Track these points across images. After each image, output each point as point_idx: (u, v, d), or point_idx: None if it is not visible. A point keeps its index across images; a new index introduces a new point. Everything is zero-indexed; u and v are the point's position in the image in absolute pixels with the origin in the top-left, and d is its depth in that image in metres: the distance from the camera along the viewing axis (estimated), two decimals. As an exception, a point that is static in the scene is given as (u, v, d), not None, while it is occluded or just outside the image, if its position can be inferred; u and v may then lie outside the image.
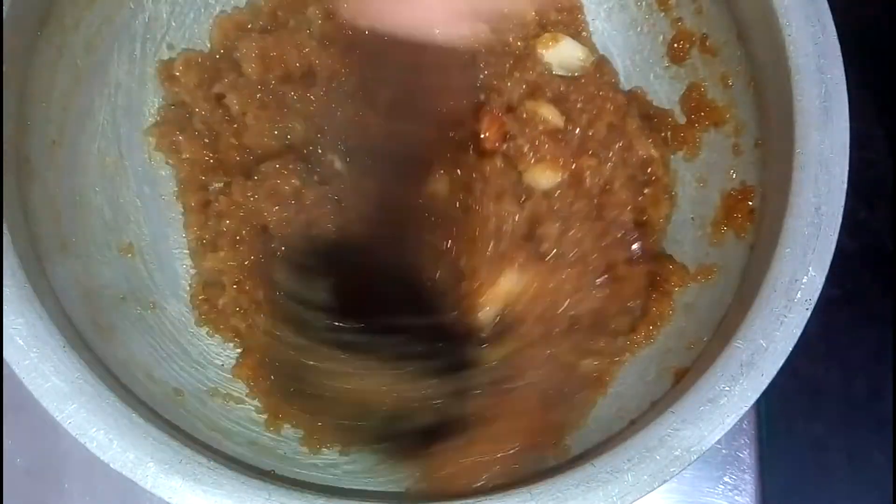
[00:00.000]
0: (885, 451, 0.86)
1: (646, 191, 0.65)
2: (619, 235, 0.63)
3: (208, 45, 0.70)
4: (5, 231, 0.52)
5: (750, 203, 0.61)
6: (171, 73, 0.68)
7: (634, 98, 0.69)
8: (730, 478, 0.70)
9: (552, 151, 0.63)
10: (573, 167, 0.63)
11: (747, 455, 0.70)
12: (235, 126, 0.66)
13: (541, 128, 0.63)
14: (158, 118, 0.68)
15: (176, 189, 0.68)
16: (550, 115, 0.64)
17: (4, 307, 0.51)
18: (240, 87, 0.65)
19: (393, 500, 0.54)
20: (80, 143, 0.63)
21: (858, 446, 0.88)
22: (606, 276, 0.62)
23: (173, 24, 0.67)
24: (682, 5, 0.67)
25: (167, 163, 0.68)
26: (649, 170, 0.66)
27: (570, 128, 0.64)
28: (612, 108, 0.65)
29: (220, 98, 0.66)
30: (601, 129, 0.64)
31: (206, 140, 0.67)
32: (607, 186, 0.64)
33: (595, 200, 0.63)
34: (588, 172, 0.63)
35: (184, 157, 0.67)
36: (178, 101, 0.68)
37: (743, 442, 0.70)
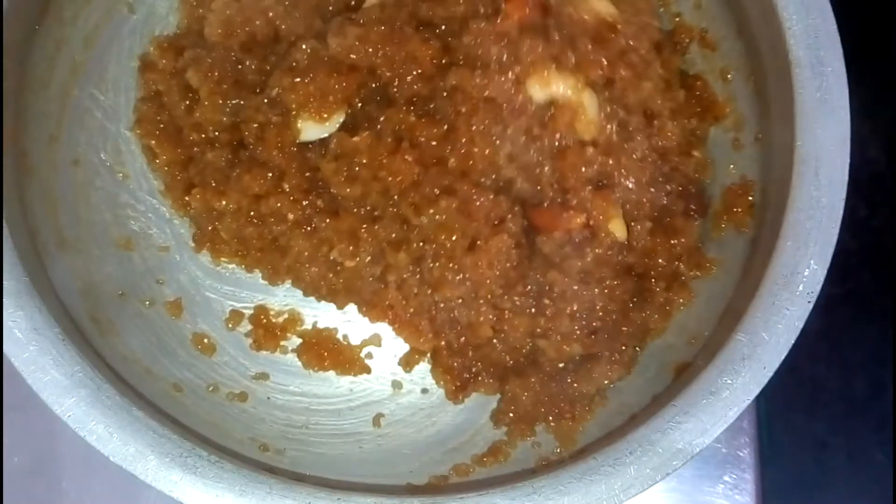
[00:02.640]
0: (885, 449, 0.86)
1: (695, 153, 0.63)
2: (680, 185, 0.62)
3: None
4: (4, 225, 0.52)
5: (750, 198, 0.61)
6: (151, 63, 0.65)
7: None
8: (730, 477, 0.70)
9: (586, 51, 0.59)
10: (607, 68, 0.60)
11: (747, 454, 0.70)
12: (196, 106, 0.63)
13: (586, 17, 0.60)
14: (139, 115, 0.65)
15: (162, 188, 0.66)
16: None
17: (4, 300, 0.50)
18: (200, 59, 0.62)
19: (393, 493, 0.54)
20: (79, 139, 0.63)
21: (859, 445, 0.88)
22: (663, 222, 0.61)
23: (171, 19, 0.67)
24: (681, 0, 0.66)
25: (155, 161, 0.65)
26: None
27: (612, 35, 0.61)
28: (657, 27, 0.63)
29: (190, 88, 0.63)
30: (644, 44, 0.61)
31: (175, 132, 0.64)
32: (648, 111, 0.61)
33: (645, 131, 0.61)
34: (623, 85, 0.60)
35: (159, 160, 0.65)
36: (154, 94, 0.65)
37: (743, 441, 0.70)
